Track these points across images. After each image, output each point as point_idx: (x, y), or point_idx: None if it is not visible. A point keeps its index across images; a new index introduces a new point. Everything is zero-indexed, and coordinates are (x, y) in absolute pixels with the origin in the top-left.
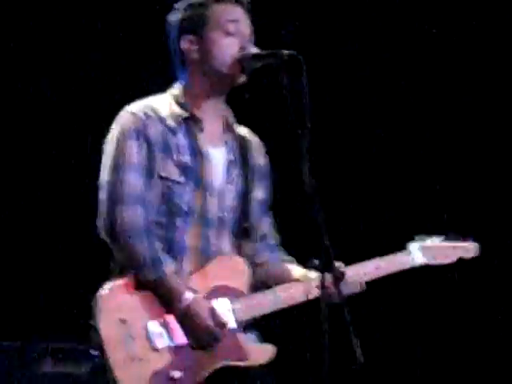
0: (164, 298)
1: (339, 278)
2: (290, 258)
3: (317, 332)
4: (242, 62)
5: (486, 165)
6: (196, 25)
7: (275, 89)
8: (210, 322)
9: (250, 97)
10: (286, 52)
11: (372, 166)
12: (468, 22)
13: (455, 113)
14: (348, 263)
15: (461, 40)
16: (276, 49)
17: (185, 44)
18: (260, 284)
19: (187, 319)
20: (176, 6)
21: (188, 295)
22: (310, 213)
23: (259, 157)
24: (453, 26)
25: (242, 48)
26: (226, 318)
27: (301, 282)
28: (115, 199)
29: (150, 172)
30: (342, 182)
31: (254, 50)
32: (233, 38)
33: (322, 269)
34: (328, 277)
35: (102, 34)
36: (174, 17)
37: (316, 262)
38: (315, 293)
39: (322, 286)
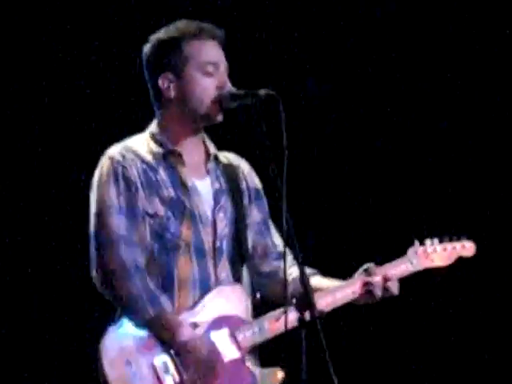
0: (162, 335)
1: (318, 316)
2: (312, 271)
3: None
4: (220, 101)
5: (474, 162)
6: (174, 63)
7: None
8: (205, 357)
9: (228, 135)
10: (263, 91)
11: (366, 169)
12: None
13: (444, 113)
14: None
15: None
16: (253, 88)
17: (163, 82)
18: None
19: (184, 355)
20: (151, 38)
21: (186, 332)
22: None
23: (249, 178)
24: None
25: (220, 87)
26: (227, 349)
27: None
28: (101, 245)
29: (133, 212)
30: (336, 185)
31: (232, 89)
32: (211, 79)
33: (300, 306)
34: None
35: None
36: (150, 51)
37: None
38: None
39: (301, 325)
